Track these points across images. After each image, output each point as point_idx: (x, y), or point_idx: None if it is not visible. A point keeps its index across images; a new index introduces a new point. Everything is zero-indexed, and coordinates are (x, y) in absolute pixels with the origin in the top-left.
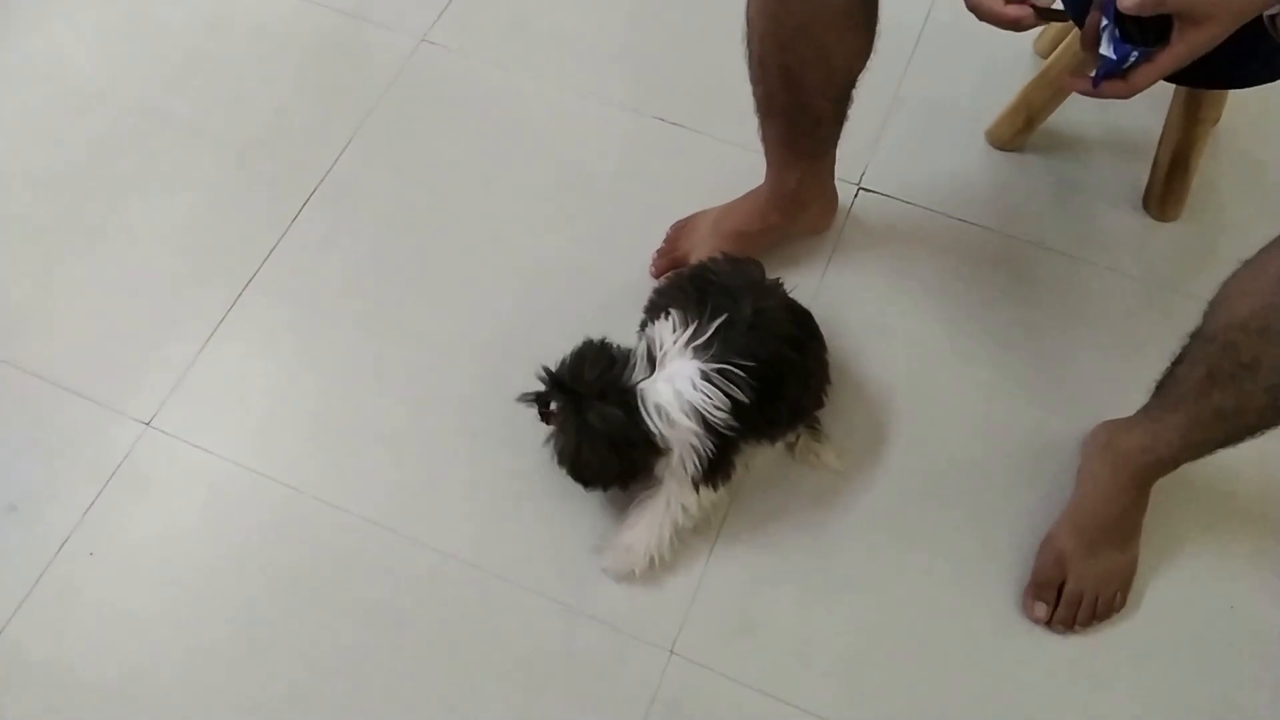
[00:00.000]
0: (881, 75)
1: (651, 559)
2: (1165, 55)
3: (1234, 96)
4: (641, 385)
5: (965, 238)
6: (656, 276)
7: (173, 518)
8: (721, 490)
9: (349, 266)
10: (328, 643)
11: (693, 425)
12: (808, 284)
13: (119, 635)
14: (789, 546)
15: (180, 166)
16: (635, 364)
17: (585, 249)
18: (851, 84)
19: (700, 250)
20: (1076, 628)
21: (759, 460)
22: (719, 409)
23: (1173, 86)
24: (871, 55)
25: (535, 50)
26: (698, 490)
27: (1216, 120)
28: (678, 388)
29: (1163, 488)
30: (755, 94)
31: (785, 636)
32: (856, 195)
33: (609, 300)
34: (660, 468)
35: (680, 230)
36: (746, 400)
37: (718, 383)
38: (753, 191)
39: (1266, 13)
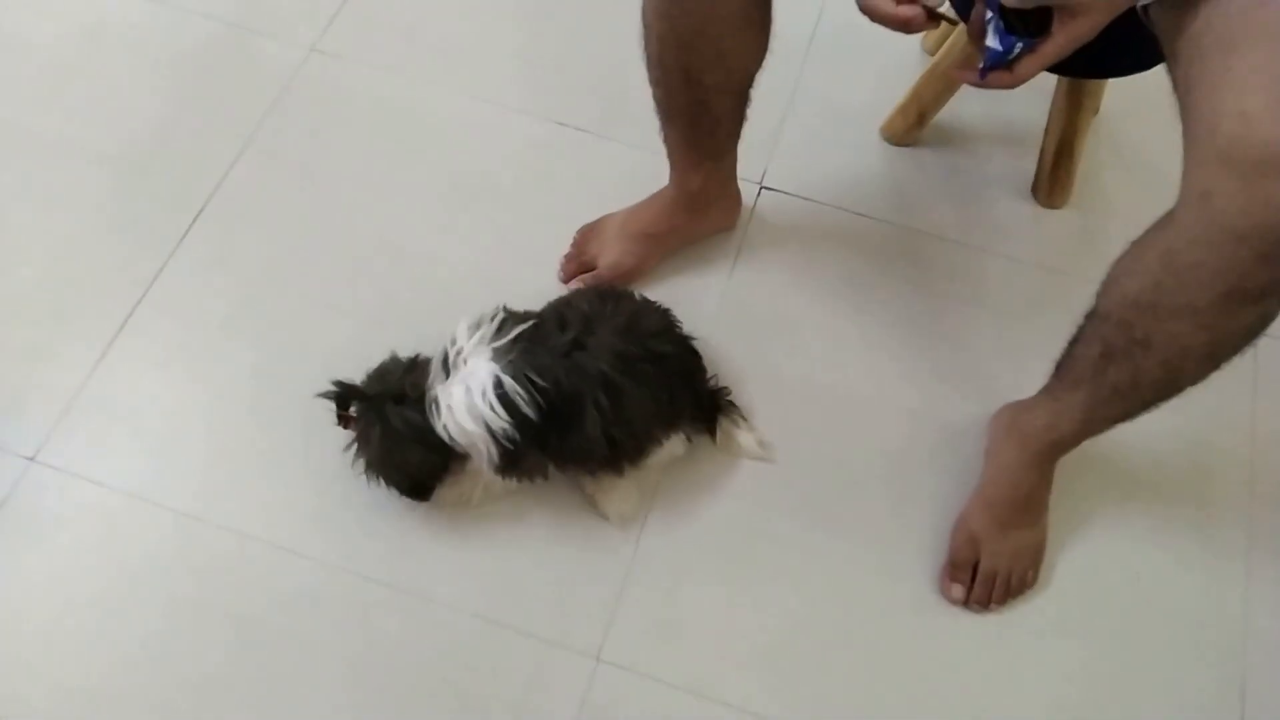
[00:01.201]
0: (778, 76)
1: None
2: (1048, 45)
3: (1113, 85)
4: (436, 388)
5: (866, 232)
6: (565, 282)
7: (65, 557)
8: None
9: (243, 283)
10: (238, 675)
11: (479, 430)
12: (716, 282)
13: (7, 685)
14: (710, 544)
15: (56, 186)
16: (434, 369)
17: (491, 257)
18: (749, 83)
19: (608, 253)
20: (992, 605)
21: (660, 460)
22: (502, 418)
23: (1055, 77)
24: (767, 55)
25: (429, 57)
26: (502, 476)
27: (1097, 109)
28: (469, 389)
29: (1066, 465)
30: (655, 95)
31: (711, 634)
32: (759, 194)
33: (520, 308)
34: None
35: (587, 234)
36: (532, 417)
37: (508, 388)
38: (658, 193)
39: (1139, 3)
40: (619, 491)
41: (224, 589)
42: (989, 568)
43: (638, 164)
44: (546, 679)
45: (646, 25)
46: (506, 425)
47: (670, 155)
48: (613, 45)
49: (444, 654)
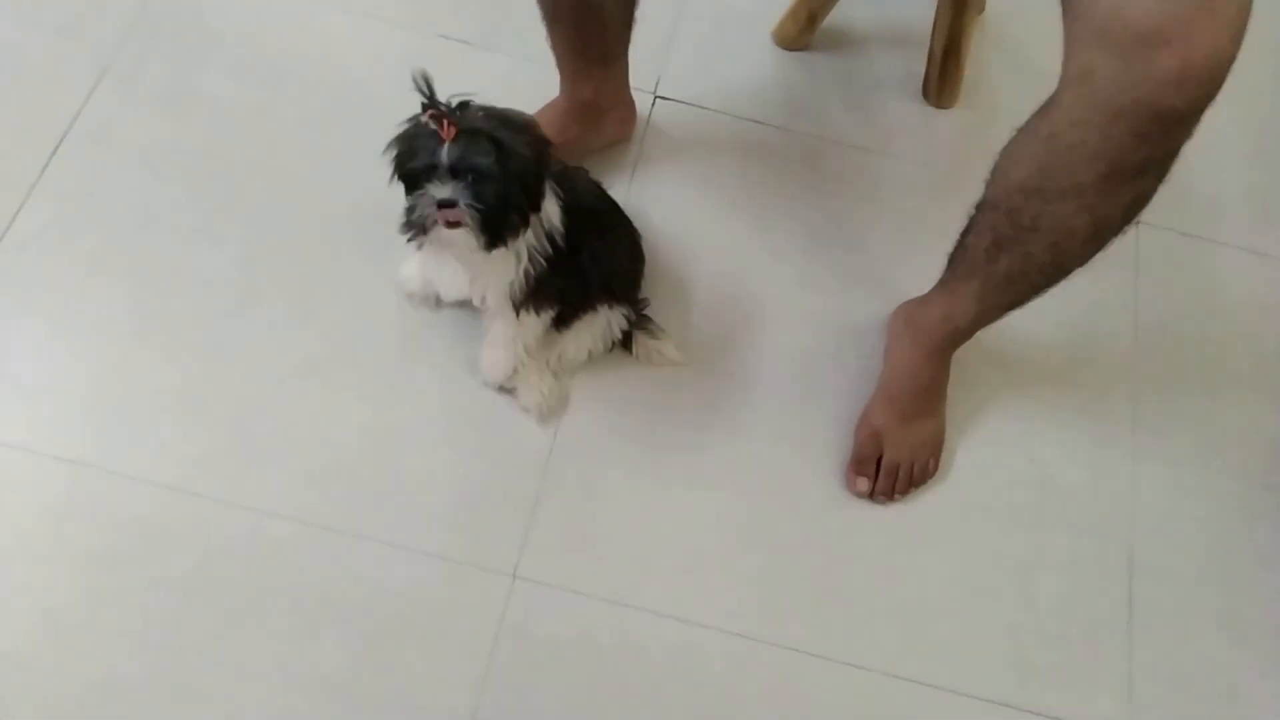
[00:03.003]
0: None
1: (515, 367)
2: None
3: None
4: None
5: (761, 138)
6: None
7: None
8: (544, 320)
9: (113, 216)
10: (141, 620)
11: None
12: (615, 194)
13: None
14: (621, 454)
15: None
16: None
17: (377, 177)
18: None
19: None
20: (896, 496)
21: (580, 346)
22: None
23: None
24: None
25: None
26: (517, 313)
27: (982, 8)
28: None
29: (961, 357)
30: None
31: (626, 543)
32: (654, 104)
33: None
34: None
35: None
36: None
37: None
38: (549, 104)
39: None
40: (539, 381)
41: (122, 537)
42: (892, 460)
43: (525, 76)
44: (463, 601)
45: None
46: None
47: (559, 63)
48: None
49: (354, 585)
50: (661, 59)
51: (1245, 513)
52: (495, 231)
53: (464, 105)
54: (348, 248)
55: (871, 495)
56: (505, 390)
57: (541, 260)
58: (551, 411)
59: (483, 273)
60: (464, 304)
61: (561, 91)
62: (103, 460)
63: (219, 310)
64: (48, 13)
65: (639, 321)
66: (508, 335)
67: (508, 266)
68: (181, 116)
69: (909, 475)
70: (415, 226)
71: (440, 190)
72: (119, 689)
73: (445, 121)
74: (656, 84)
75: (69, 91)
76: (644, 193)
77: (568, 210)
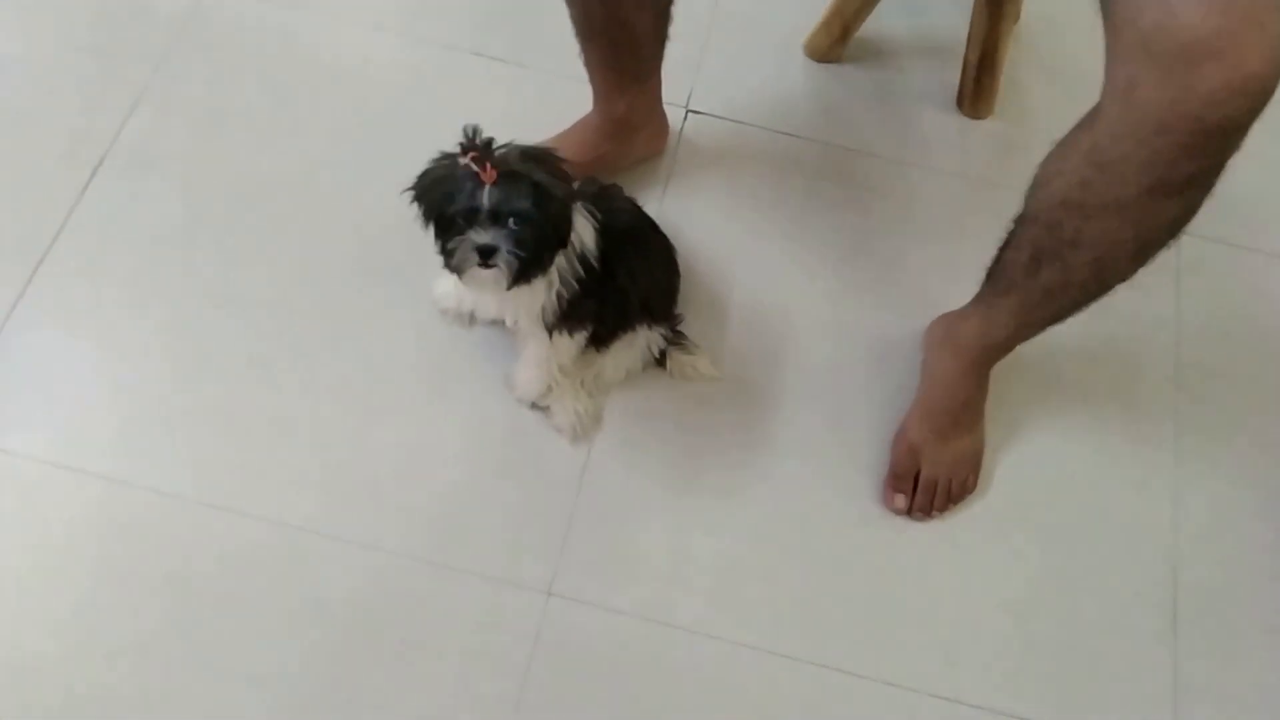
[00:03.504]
0: None
1: (549, 385)
2: None
3: None
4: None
5: (794, 151)
6: None
7: None
8: (579, 340)
9: (152, 237)
10: (177, 638)
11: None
12: (648, 208)
13: None
14: (655, 470)
15: None
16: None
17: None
18: None
19: None
20: (934, 513)
21: (618, 365)
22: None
23: None
24: None
25: None
26: (550, 335)
27: (1018, 17)
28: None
29: (1000, 371)
30: (572, 15)
31: (661, 561)
32: (686, 118)
33: None
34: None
35: None
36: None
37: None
38: (581, 120)
39: None
40: (573, 401)
41: (156, 551)
42: (930, 476)
43: (558, 91)
44: (498, 618)
45: None
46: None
47: (592, 79)
48: None
49: (392, 603)
50: (693, 73)
51: None
52: (527, 274)
53: (490, 143)
54: (384, 265)
55: (909, 512)
56: (539, 408)
57: (574, 283)
58: (585, 432)
59: (513, 297)
60: (498, 322)
61: (595, 108)
62: (141, 477)
63: (256, 329)
64: (86, 34)
65: (673, 337)
66: (541, 355)
67: (538, 291)
68: (219, 136)
69: (947, 492)
70: (449, 265)
71: (482, 236)
72: (152, 704)
73: (488, 165)
74: (689, 98)
75: (108, 113)
76: (677, 207)
77: (603, 231)
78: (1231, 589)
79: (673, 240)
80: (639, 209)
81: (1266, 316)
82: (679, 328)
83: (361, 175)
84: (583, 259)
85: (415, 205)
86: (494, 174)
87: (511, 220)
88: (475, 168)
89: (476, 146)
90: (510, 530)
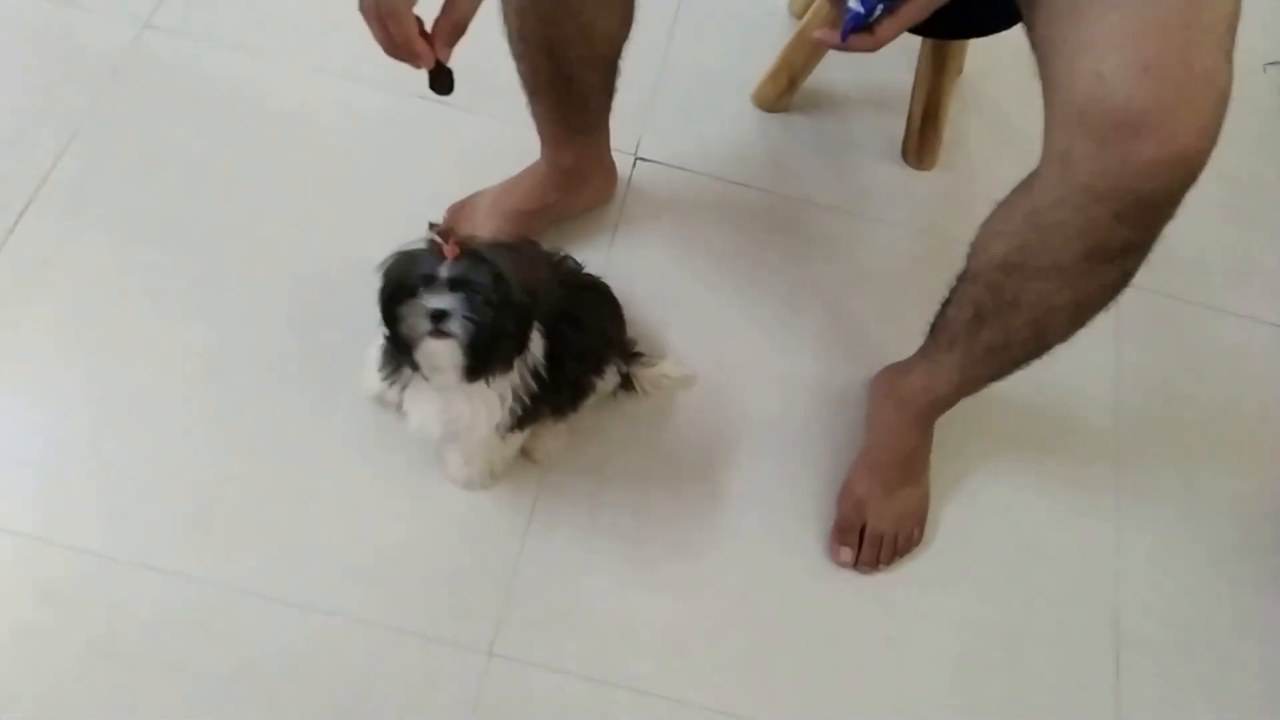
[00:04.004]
0: (646, 45)
1: (487, 473)
2: (907, 8)
3: (975, 45)
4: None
5: (742, 200)
6: None
7: None
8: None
9: (76, 287)
10: (97, 701)
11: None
12: (595, 257)
13: None
14: (600, 527)
15: None
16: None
17: (358, 240)
18: (617, 54)
19: (482, 231)
20: (881, 566)
21: (552, 443)
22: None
23: (920, 40)
24: (633, 25)
25: (273, 31)
26: (503, 437)
27: (961, 70)
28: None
29: (944, 423)
30: (519, 70)
31: (606, 618)
32: (634, 165)
33: None
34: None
35: (458, 212)
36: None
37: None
38: (530, 168)
39: None
40: (552, 432)
41: (74, 612)
42: (876, 529)
43: (505, 137)
44: (437, 679)
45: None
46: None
47: (540, 131)
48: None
49: (326, 664)
50: (642, 121)
51: (1228, 578)
52: (482, 358)
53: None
54: (322, 314)
55: (855, 565)
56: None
57: (525, 398)
58: (482, 487)
59: (467, 401)
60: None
61: (542, 157)
62: (54, 534)
63: (189, 380)
64: (16, 72)
65: (631, 361)
66: (482, 445)
67: (494, 409)
68: (153, 180)
69: (893, 545)
70: (401, 345)
71: (437, 300)
72: None
73: (450, 240)
74: (637, 145)
75: (38, 154)
76: (625, 255)
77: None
78: (1174, 639)
79: (620, 287)
80: (553, 273)
81: (1205, 367)
82: (635, 350)
83: (300, 221)
84: (535, 372)
85: (378, 279)
86: (456, 249)
87: (468, 290)
88: (439, 240)
89: (444, 230)
90: (451, 588)
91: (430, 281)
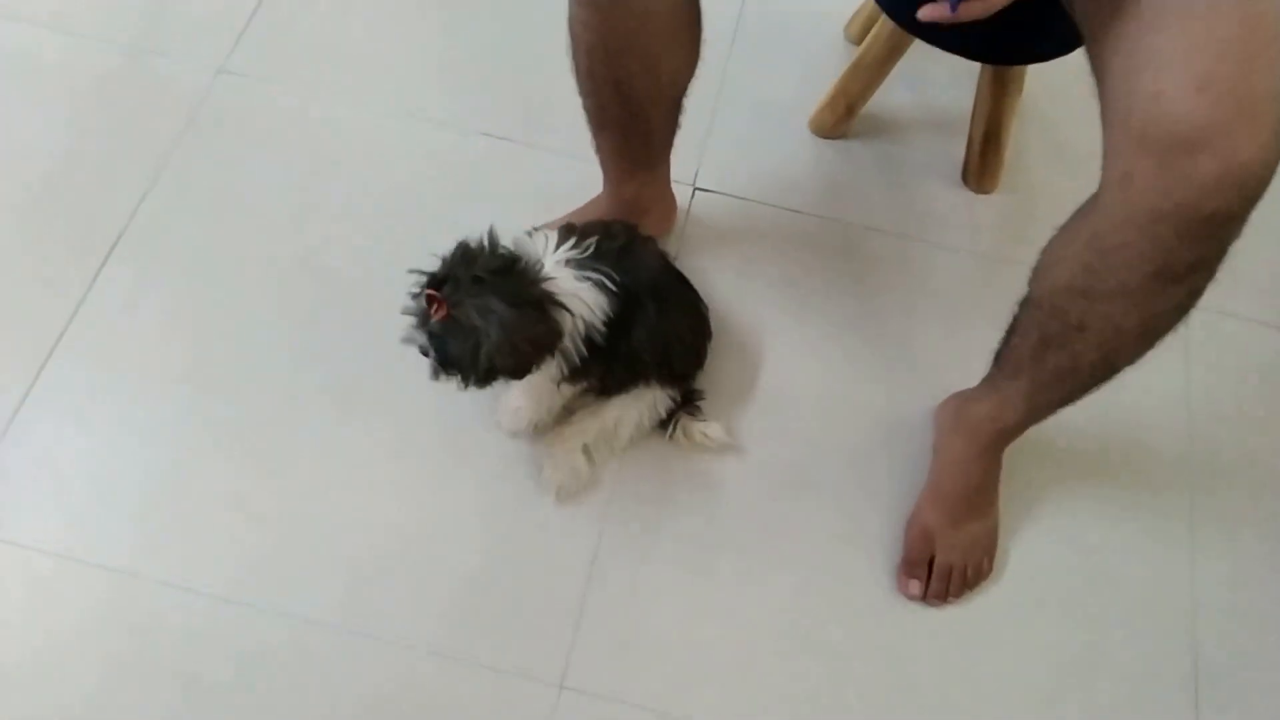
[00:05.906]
0: (703, 74)
1: (534, 423)
2: None
3: (1034, 67)
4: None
5: (801, 227)
6: None
7: None
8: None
9: (164, 322)
10: None
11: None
12: None
13: None
14: (667, 557)
15: None
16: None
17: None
18: (683, 92)
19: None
20: (950, 599)
21: (624, 421)
22: (599, 312)
23: (979, 64)
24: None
25: (345, 72)
26: (559, 387)
27: (1021, 92)
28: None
29: (1011, 451)
30: (586, 107)
31: (673, 649)
32: (693, 196)
33: None
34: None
35: None
36: (612, 315)
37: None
38: (593, 200)
39: None
40: (567, 458)
41: (164, 646)
42: (944, 562)
43: (567, 171)
44: (509, 713)
45: (574, 37)
46: (601, 323)
47: (604, 165)
48: (537, 53)
49: (399, 696)
50: (700, 151)
51: None
52: (459, 378)
53: (479, 281)
54: (396, 348)
55: (924, 598)
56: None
57: (576, 359)
58: (573, 495)
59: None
60: None
61: (605, 190)
62: (143, 569)
63: (269, 415)
64: (101, 119)
65: (684, 402)
66: (534, 384)
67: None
68: (229, 220)
69: (962, 577)
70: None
71: (420, 338)
72: None
73: (436, 305)
74: (695, 175)
75: (122, 197)
76: None
77: (621, 292)
78: (1252, 667)
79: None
80: (667, 264)
81: (1277, 390)
82: (695, 395)
83: (372, 256)
84: (588, 337)
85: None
86: (442, 312)
87: (438, 344)
88: (429, 302)
89: (435, 282)
90: (521, 619)
91: (422, 320)
